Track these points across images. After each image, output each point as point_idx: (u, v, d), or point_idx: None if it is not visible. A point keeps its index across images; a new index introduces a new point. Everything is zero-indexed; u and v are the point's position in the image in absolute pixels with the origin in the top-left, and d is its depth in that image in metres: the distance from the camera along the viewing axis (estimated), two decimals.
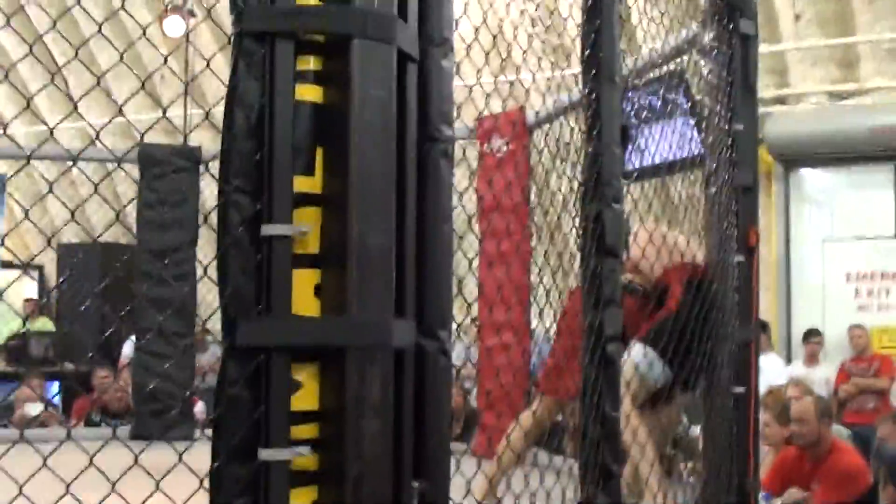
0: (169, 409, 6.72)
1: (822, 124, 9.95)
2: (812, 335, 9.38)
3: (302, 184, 1.90)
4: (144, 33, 5.78)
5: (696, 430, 4.56)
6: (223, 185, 1.85)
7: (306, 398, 1.88)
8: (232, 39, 1.87)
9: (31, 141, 12.38)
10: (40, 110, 13.19)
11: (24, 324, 11.01)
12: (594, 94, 2.95)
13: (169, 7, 10.37)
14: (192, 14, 10.09)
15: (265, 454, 1.81)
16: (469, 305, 2.51)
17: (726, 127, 3.91)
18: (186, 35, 10.01)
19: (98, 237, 11.75)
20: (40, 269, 14.44)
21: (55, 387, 10.02)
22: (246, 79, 1.86)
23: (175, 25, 10.27)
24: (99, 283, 9.43)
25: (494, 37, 2.79)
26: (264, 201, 1.85)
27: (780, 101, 10.43)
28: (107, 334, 9.63)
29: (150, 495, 1.74)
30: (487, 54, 2.68)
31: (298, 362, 1.86)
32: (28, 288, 13.68)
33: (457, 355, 8.83)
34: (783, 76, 10.44)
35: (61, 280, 11.58)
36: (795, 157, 10.24)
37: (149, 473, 1.72)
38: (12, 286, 12.59)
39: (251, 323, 1.82)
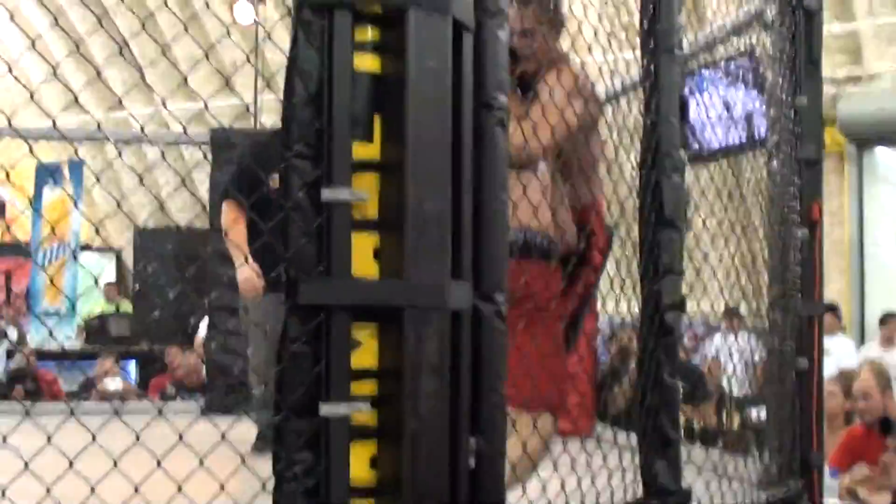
0: (239, 384, 6.85)
1: None
2: (890, 318, 9.23)
3: (361, 151, 1.96)
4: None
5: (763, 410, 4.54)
6: (285, 152, 1.92)
7: (366, 356, 1.94)
8: (292, 11, 1.93)
9: (111, 126, 12.70)
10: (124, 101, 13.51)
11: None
12: (652, 67, 2.98)
13: None
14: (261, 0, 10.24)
15: (326, 409, 1.88)
16: None
17: (790, 101, 3.89)
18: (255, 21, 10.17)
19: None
20: (118, 252, 14.79)
21: (132, 364, 10.31)
22: (306, 49, 1.92)
23: (244, 12, 10.43)
24: (174, 266, 9.63)
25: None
26: (324, 167, 1.92)
27: (854, 80, 10.26)
28: (182, 314, 9.86)
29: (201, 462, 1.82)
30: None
31: (358, 321, 1.93)
32: (107, 270, 14.03)
33: None
34: (857, 55, 10.27)
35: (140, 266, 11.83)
36: (869, 136, 10.08)
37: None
38: (90, 268, 12.92)
39: (312, 282, 1.89)
